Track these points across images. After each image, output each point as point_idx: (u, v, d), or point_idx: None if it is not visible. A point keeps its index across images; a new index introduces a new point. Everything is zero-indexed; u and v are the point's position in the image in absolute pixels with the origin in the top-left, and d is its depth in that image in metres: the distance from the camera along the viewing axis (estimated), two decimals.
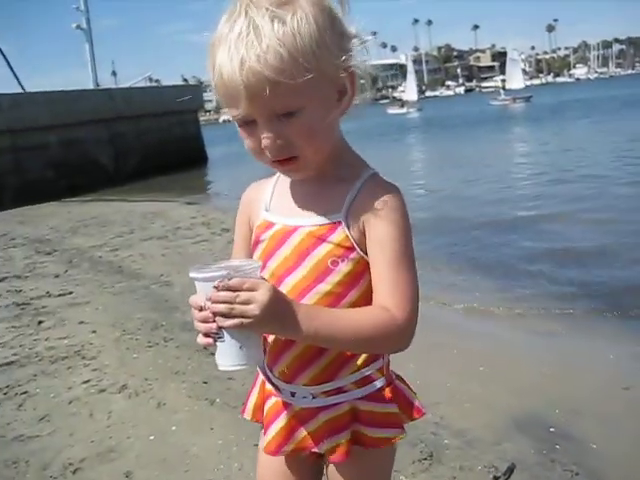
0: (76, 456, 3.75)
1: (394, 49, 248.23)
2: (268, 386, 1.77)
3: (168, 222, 12.40)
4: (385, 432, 1.70)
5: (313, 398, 1.68)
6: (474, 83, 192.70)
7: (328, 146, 1.60)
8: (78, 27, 31.07)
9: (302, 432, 1.71)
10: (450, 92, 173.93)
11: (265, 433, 1.75)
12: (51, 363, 5.26)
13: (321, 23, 1.47)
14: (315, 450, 1.71)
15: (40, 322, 6.47)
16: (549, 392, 4.37)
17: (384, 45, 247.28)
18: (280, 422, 1.72)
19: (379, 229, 1.57)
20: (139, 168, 23.34)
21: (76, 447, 3.87)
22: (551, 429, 3.82)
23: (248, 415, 1.86)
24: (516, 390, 4.41)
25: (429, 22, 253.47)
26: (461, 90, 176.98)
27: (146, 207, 15.27)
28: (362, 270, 1.59)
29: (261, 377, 1.80)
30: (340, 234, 1.59)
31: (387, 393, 1.72)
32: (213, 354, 1.47)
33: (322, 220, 1.61)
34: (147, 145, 25.38)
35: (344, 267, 1.58)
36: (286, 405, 1.72)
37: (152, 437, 3.88)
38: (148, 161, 24.06)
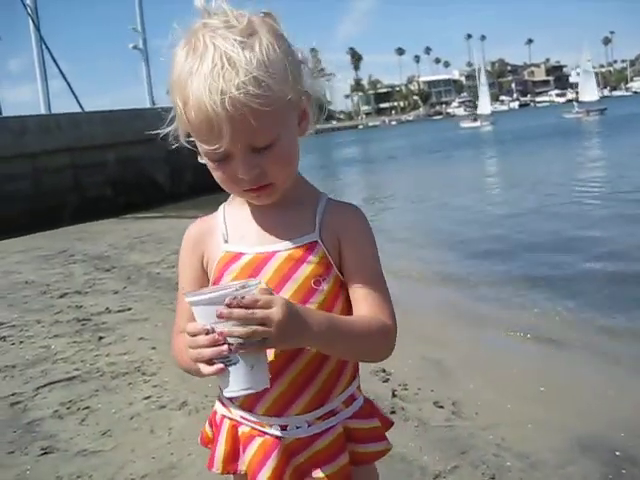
0: (138, 472, 3.79)
1: (447, 65, 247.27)
2: (245, 429, 1.68)
3: None
4: (376, 446, 1.73)
5: (309, 426, 1.65)
6: (528, 98, 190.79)
7: (296, 170, 1.65)
8: (135, 47, 31.64)
9: (297, 462, 1.67)
10: (504, 107, 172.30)
11: (256, 478, 1.62)
12: (112, 379, 5.34)
13: (283, 50, 1.50)
14: (314, 477, 1.67)
15: (101, 338, 6.58)
16: (614, 415, 4.27)
17: (437, 61, 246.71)
18: (272, 461, 1.62)
19: (357, 246, 1.66)
20: (194, 185, 23.58)
21: (138, 463, 3.91)
22: (617, 453, 3.73)
23: (218, 469, 1.70)
24: (579, 412, 4.32)
25: (482, 37, 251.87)
26: (515, 105, 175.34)
27: None
28: (338, 288, 1.64)
29: (227, 423, 1.71)
30: (319, 253, 1.62)
31: (369, 408, 1.75)
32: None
33: (298, 242, 1.63)
34: (202, 163, 25.61)
35: (326, 286, 1.61)
36: (275, 442, 1.64)
37: None
38: (203, 178, 24.25)
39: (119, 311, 7.65)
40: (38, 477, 3.83)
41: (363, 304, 1.62)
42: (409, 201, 18.91)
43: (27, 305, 8.49)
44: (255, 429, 1.66)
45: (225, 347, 1.35)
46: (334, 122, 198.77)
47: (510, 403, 4.49)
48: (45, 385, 5.34)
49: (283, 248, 1.62)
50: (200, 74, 1.42)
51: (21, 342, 6.69)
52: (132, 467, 3.86)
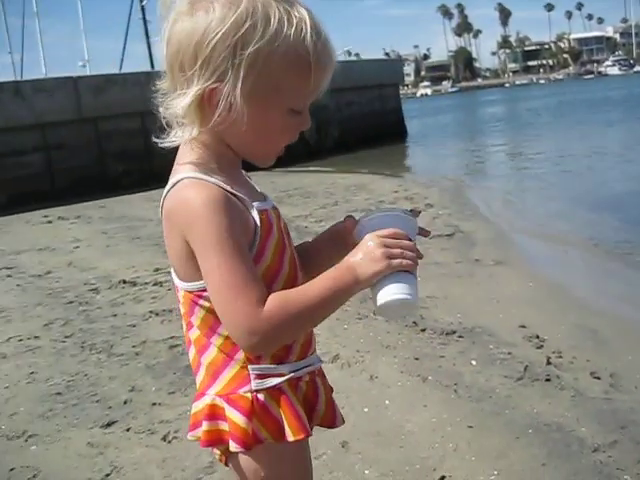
0: None
1: (600, 21, 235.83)
2: (306, 378, 1.68)
3: (371, 195, 12.48)
4: None
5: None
6: None
7: None
8: None
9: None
10: None
11: (315, 411, 1.72)
12: None
13: None
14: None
15: None
16: None
17: (589, 17, 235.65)
18: (322, 393, 1.74)
19: None
20: (339, 141, 23.69)
21: None
22: None
23: (310, 431, 1.64)
24: None
25: None
26: None
27: (348, 179, 15.46)
28: None
29: (288, 390, 1.62)
30: None
31: None
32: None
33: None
34: (348, 118, 25.69)
35: None
36: (321, 371, 1.78)
37: (366, 409, 3.93)
38: (348, 134, 24.36)
39: None
40: None
41: None
42: None
43: None
44: (312, 372, 1.71)
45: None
46: (479, 80, 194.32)
47: None
48: None
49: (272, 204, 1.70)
50: (317, 28, 1.53)
51: None
52: None
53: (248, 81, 1.48)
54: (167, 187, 1.56)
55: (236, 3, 1.46)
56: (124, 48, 47.61)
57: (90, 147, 17.79)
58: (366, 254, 1.50)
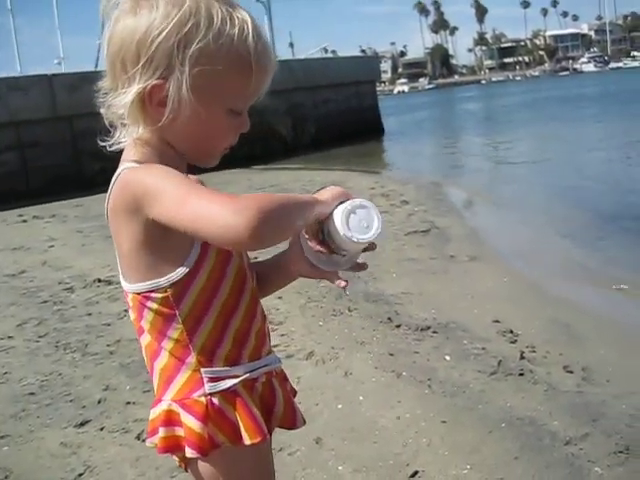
0: None
1: (575, 18, 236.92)
2: (262, 379, 1.64)
3: None
4: None
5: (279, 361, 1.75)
6: None
7: None
8: (258, 0, 31.69)
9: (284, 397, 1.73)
10: (635, 63, 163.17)
11: (273, 412, 1.68)
12: None
13: None
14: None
15: None
16: None
17: (564, 14, 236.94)
18: (280, 395, 1.70)
19: None
20: (316, 138, 23.67)
21: None
22: None
23: (266, 435, 1.60)
24: None
25: None
26: None
27: (325, 176, 15.38)
28: None
29: (242, 392, 1.59)
30: None
31: None
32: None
33: None
34: (324, 116, 25.68)
35: None
36: (282, 373, 1.75)
37: (340, 406, 3.94)
38: (325, 131, 24.35)
39: None
40: None
41: None
42: None
43: None
44: (269, 373, 1.68)
45: None
46: (456, 76, 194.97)
47: None
48: None
49: None
50: (262, 32, 1.55)
51: None
52: None
53: (190, 79, 1.47)
54: (110, 187, 1.54)
55: (179, 2, 1.46)
56: (100, 45, 47.26)
57: (65, 145, 17.64)
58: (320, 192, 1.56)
